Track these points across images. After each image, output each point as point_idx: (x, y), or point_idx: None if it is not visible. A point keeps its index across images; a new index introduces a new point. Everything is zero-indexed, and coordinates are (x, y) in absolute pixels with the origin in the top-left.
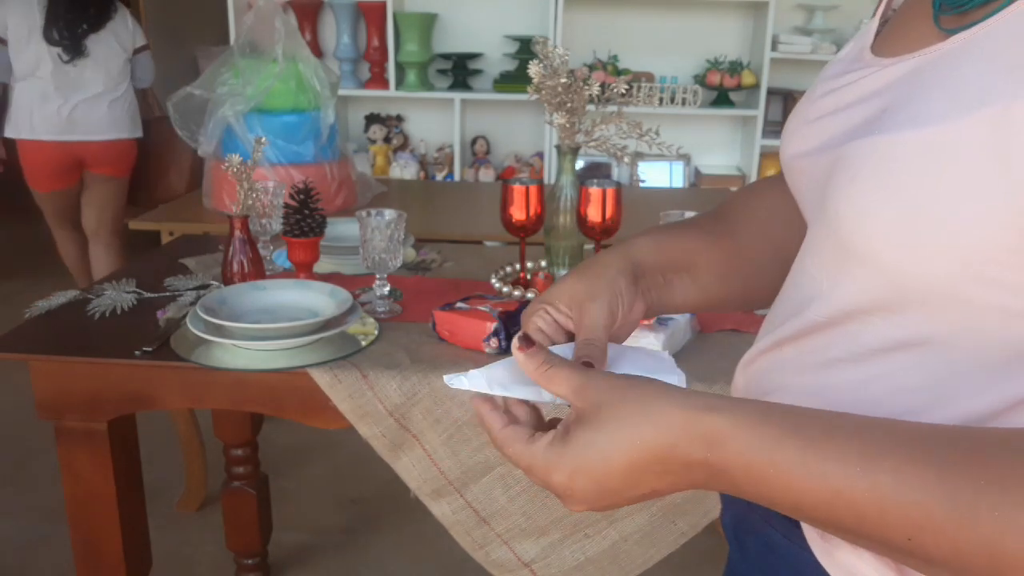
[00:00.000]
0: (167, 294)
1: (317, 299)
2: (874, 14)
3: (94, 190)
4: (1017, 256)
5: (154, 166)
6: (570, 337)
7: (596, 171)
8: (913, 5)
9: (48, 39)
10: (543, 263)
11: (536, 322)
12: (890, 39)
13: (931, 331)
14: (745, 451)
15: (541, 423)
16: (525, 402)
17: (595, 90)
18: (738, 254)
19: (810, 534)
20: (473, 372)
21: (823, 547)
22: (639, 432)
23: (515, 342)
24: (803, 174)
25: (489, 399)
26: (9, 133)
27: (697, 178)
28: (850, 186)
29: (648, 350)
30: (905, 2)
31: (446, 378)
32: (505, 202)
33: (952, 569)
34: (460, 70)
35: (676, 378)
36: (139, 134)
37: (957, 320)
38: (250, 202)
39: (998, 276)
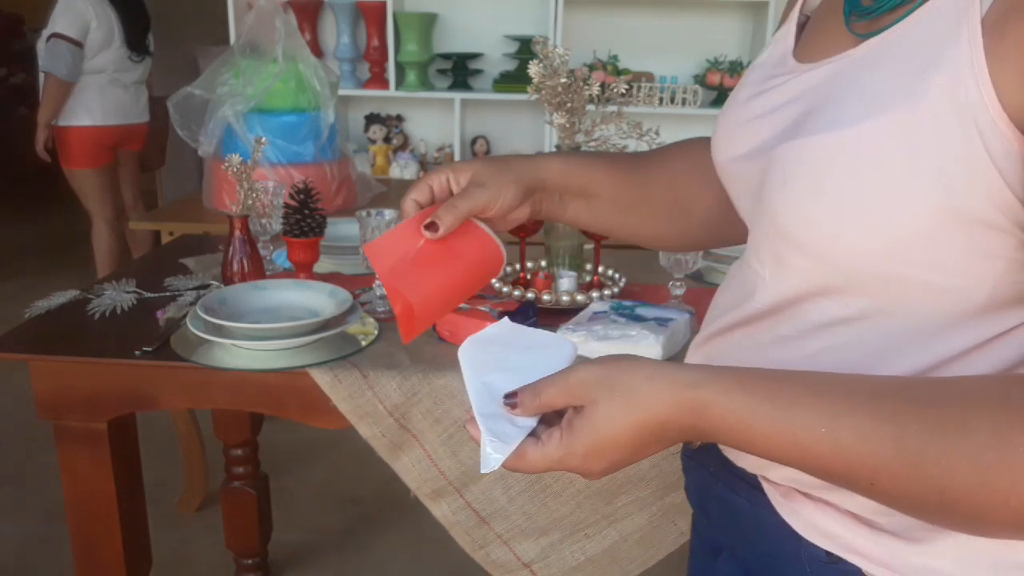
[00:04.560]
0: (167, 294)
1: (317, 299)
2: (783, 19)
3: (125, 166)
4: (932, 240)
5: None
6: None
7: None
8: (827, 11)
9: (130, 45)
10: (543, 263)
11: (434, 180)
12: (809, 45)
13: (867, 307)
14: (727, 416)
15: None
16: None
17: (595, 90)
18: (641, 193)
19: (773, 496)
20: (490, 443)
21: (788, 507)
22: (637, 416)
23: (504, 404)
24: (737, 179)
25: None
26: (72, 122)
27: None
28: (783, 188)
29: (542, 333)
30: (820, 7)
31: (484, 470)
32: None
33: (911, 506)
34: (460, 70)
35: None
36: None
37: (889, 296)
38: (250, 202)
39: (918, 257)
